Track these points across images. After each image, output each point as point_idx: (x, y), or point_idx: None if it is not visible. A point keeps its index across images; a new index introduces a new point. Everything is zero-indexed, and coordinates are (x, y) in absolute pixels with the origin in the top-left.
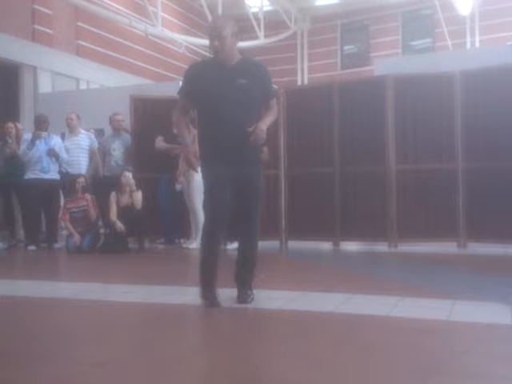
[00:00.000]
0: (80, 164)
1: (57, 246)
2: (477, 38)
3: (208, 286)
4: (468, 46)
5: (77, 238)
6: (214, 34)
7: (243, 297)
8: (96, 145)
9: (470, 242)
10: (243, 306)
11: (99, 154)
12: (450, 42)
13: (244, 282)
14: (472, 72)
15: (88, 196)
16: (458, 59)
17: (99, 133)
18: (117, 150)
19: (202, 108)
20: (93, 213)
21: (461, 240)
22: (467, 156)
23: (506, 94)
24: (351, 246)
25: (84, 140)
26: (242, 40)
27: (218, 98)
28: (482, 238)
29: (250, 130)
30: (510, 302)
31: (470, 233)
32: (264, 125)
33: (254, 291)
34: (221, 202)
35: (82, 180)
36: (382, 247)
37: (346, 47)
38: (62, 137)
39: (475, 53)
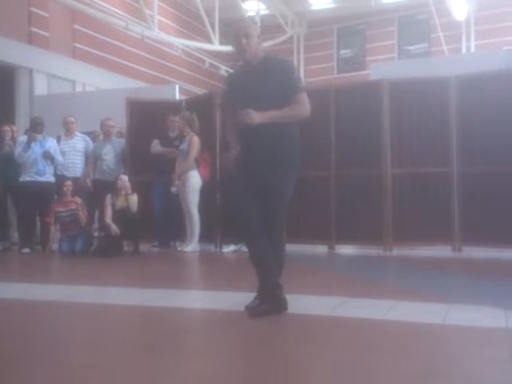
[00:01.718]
0: (76, 167)
1: (54, 247)
2: (472, 43)
3: (268, 290)
4: (463, 50)
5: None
6: (242, 32)
7: (255, 306)
8: (90, 148)
9: (465, 246)
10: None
11: (91, 159)
12: (445, 47)
13: (268, 291)
14: (467, 77)
15: (78, 199)
16: (454, 64)
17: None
18: (108, 154)
19: (235, 113)
20: (82, 217)
21: (456, 244)
22: (462, 160)
23: (500, 99)
24: (347, 250)
25: (80, 143)
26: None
27: (240, 99)
28: (476, 241)
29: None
30: (505, 305)
31: (465, 237)
32: (262, 114)
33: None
34: (247, 203)
35: (69, 183)
36: (377, 251)
37: (342, 51)
38: (58, 140)
39: (470, 58)
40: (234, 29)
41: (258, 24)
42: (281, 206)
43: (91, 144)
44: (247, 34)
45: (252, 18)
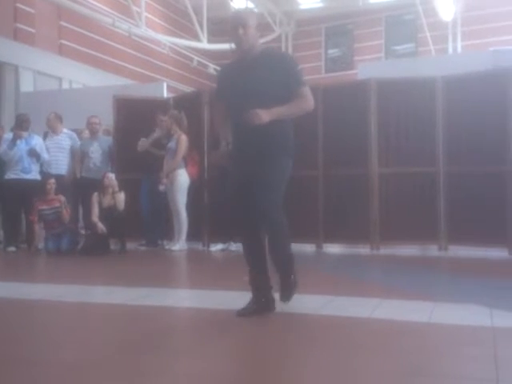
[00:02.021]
0: (58, 164)
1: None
2: (459, 44)
3: (258, 290)
4: (450, 51)
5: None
6: (239, 22)
7: (282, 296)
8: (76, 145)
9: (451, 245)
10: (231, 308)
11: (78, 156)
12: (432, 47)
13: (282, 283)
14: (453, 77)
15: (61, 197)
16: (440, 64)
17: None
18: (95, 152)
19: (228, 106)
20: (65, 214)
21: (442, 243)
22: (448, 160)
23: (486, 99)
24: (334, 249)
25: (65, 140)
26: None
27: (235, 92)
28: (462, 240)
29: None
30: (490, 304)
31: (451, 236)
32: (269, 112)
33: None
34: (243, 198)
35: (52, 181)
36: (364, 250)
37: (330, 51)
38: (45, 136)
39: (457, 58)
40: (232, 18)
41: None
42: (270, 195)
43: (78, 141)
44: (244, 24)
45: (251, 9)
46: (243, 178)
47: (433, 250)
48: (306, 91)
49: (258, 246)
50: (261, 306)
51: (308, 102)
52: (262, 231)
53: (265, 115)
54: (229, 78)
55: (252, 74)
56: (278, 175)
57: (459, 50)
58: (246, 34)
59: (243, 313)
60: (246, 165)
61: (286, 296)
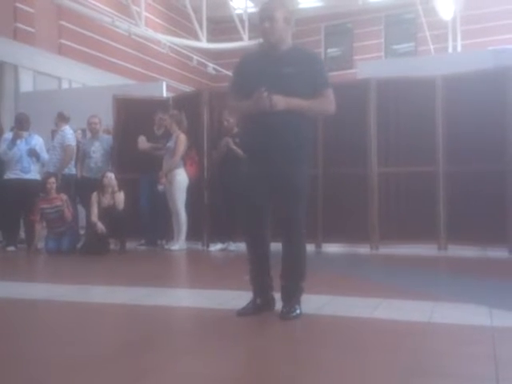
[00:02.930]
0: (51, 161)
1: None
2: (458, 43)
3: (259, 289)
4: (450, 50)
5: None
6: (265, 14)
7: (286, 311)
8: (68, 142)
9: (450, 245)
10: (230, 308)
11: (79, 157)
12: (432, 47)
13: (288, 296)
14: (453, 76)
15: (63, 196)
16: (440, 63)
17: (83, 132)
18: (96, 152)
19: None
20: (67, 213)
21: (441, 242)
22: (448, 159)
23: (486, 98)
24: (333, 248)
25: (58, 138)
26: (225, 41)
27: (259, 83)
28: (462, 240)
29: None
30: (489, 303)
31: (450, 235)
32: (288, 101)
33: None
34: (254, 201)
35: (52, 180)
36: (363, 249)
37: (329, 50)
38: (53, 135)
39: (457, 57)
40: (260, 10)
41: (246, 22)
42: (298, 202)
43: (70, 138)
44: (271, 17)
45: (284, 1)
46: (260, 174)
47: (432, 250)
48: (331, 94)
49: (263, 246)
50: (261, 305)
51: (331, 104)
52: (268, 231)
53: (281, 102)
54: (252, 70)
55: (279, 69)
56: (305, 184)
57: (459, 49)
58: (273, 28)
59: (243, 312)
60: (265, 162)
61: (288, 314)
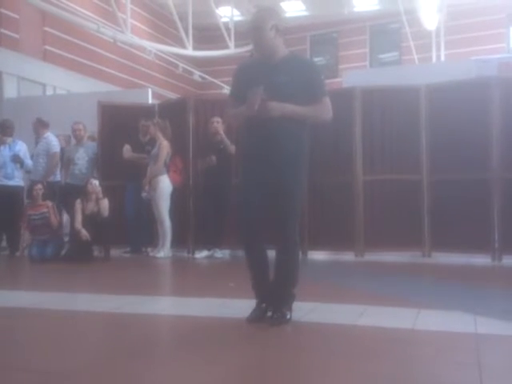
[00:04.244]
0: (37, 169)
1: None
2: (442, 53)
3: (262, 297)
4: (433, 60)
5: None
6: (253, 25)
7: (276, 317)
8: (54, 149)
9: (435, 252)
10: (215, 315)
11: (64, 163)
12: (416, 56)
13: (279, 301)
14: (437, 85)
15: (49, 203)
16: (424, 73)
17: (68, 139)
18: (81, 158)
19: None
20: (54, 220)
21: (425, 249)
22: (432, 167)
23: (469, 107)
24: (319, 255)
25: (42, 145)
26: (211, 49)
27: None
28: (445, 247)
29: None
30: (474, 311)
31: (435, 242)
32: (283, 107)
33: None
34: (251, 206)
35: (39, 187)
36: (348, 256)
37: (315, 59)
38: (36, 142)
39: (440, 67)
40: (250, 20)
41: (232, 31)
42: (292, 206)
43: (54, 145)
44: (257, 27)
45: (273, 9)
46: (257, 182)
47: (417, 257)
48: (328, 102)
49: (262, 254)
50: (267, 309)
51: (328, 112)
52: (265, 238)
53: (276, 108)
54: (248, 79)
55: (274, 78)
56: (300, 191)
57: (442, 58)
58: (261, 37)
59: (252, 318)
60: (262, 167)
61: (278, 320)
